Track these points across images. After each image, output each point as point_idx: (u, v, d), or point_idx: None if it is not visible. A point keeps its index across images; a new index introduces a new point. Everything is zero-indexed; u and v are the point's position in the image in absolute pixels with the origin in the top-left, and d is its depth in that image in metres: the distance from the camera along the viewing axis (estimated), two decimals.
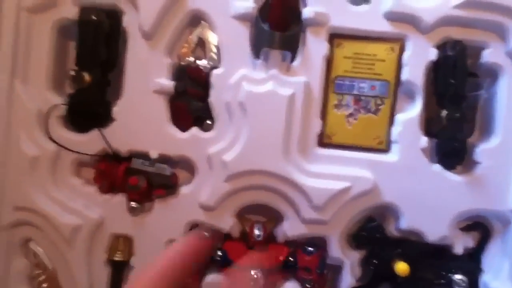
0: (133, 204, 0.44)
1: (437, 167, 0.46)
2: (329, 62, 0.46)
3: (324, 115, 0.47)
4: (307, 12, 0.45)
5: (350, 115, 0.47)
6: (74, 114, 0.45)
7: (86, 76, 0.45)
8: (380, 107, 0.47)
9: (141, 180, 0.44)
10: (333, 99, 0.46)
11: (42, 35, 0.46)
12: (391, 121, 0.47)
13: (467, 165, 0.47)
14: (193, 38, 0.47)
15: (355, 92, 0.47)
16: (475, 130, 0.48)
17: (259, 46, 0.45)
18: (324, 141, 0.47)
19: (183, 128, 0.46)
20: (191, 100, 0.46)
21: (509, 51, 0.45)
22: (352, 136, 0.47)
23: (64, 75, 0.47)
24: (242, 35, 0.45)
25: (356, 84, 0.47)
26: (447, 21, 0.45)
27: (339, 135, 0.47)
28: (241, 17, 0.45)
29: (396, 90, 0.46)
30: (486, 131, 0.48)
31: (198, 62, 0.47)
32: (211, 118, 0.46)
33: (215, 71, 0.45)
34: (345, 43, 0.46)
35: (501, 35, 0.46)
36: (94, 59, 0.45)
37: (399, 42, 0.46)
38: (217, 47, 0.46)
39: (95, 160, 0.46)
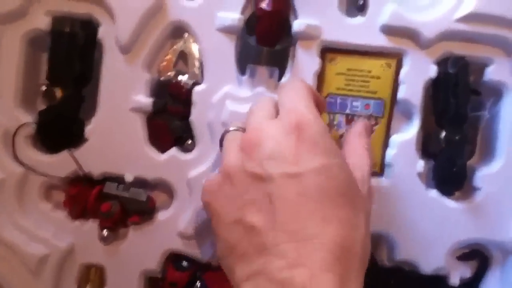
0: (105, 232, 0.41)
1: (434, 193, 0.43)
2: (320, 78, 0.43)
3: None
4: (297, 25, 0.41)
5: (342, 136, 0.43)
6: (44, 132, 0.42)
7: (58, 92, 0.42)
8: (374, 127, 0.43)
9: (114, 206, 0.41)
10: (324, 119, 0.43)
11: (11, 47, 0.42)
12: (385, 143, 0.43)
13: (466, 190, 0.44)
14: (175, 51, 0.44)
15: (348, 111, 0.43)
16: (475, 152, 0.45)
17: (245, 62, 0.42)
18: None
19: (163, 148, 0.43)
20: (171, 118, 0.43)
21: None
22: None
23: (35, 90, 0.44)
24: (227, 49, 0.42)
25: (348, 102, 0.43)
26: (448, 36, 0.42)
27: None
28: (227, 30, 0.42)
29: (392, 109, 0.43)
30: (488, 153, 0.45)
31: (179, 77, 0.43)
32: (193, 138, 0.43)
33: (197, 88, 0.42)
34: (338, 58, 0.43)
35: (506, 50, 0.42)
36: (67, 73, 0.42)
37: (396, 57, 0.43)
38: (200, 62, 0.43)
39: (66, 183, 0.43)
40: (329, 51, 0.43)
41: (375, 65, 0.43)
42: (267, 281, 0.28)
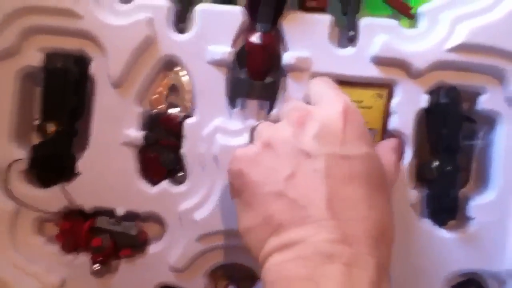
0: (96, 266, 0.41)
1: (427, 223, 0.42)
2: None
3: None
4: (287, 58, 0.41)
5: None
6: (37, 168, 0.42)
7: (51, 127, 0.42)
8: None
9: (105, 241, 0.41)
10: None
11: (5, 84, 0.43)
12: None
13: (460, 220, 0.43)
14: (166, 84, 0.44)
15: None
16: (469, 181, 0.45)
17: (235, 95, 0.42)
18: None
19: (154, 181, 0.43)
20: (163, 151, 0.43)
21: (508, 96, 0.42)
22: None
23: (28, 125, 0.44)
24: (218, 81, 0.42)
25: None
26: (440, 66, 0.41)
27: None
28: (217, 63, 0.42)
29: (383, 139, 0.42)
30: (482, 182, 0.44)
31: (171, 110, 0.44)
32: (184, 170, 0.43)
33: (188, 120, 0.42)
34: None
35: (499, 79, 0.42)
36: (60, 108, 0.42)
37: (387, 88, 0.42)
38: (191, 95, 0.43)
39: (58, 217, 0.43)
40: None
41: (366, 95, 0.43)
42: (308, 250, 0.28)
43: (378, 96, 0.43)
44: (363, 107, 0.43)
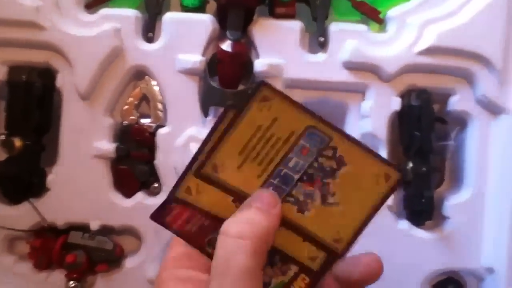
0: (71, 283, 0.40)
1: (404, 224, 0.43)
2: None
3: None
4: (259, 65, 0.41)
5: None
6: (4, 184, 0.41)
7: (17, 142, 0.41)
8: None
9: (80, 257, 0.40)
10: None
11: None
12: None
13: (436, 219, 0.43)
14: (136, 94, 0.43)
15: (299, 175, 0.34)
16: (444, 181, 0.45)
17: (208, 104, 0.41)
18: None
19: (128, 193, 0.42)
20: (135, 163, 0.42)
21: (477, 97, 0.42)
22: None
23: None
24: (190, 90, 0.42)
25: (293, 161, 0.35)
26: (410, 69, 0.42)
27: None
28: (188, 72, 0.41)
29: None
30: (456, 182, 0.45)
31: (142, 120, 0.43)
32: (159, 181, 0.42)
33: (160, 131, 0.41)
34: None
35: (469, 81, 0.43)
36: (25, 122, 0.41)
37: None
38: (163, 104, 0.42)
39: (30, 234, 0.41)
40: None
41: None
42: None
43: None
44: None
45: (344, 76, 0.42)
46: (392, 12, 0.42)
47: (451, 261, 0.43)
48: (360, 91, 0.43)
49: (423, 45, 0.41)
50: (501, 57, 0.41)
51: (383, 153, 0.42)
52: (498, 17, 0.41)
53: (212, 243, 0.26)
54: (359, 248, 0.41)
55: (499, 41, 0.41)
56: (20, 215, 0.41)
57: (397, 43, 0.42)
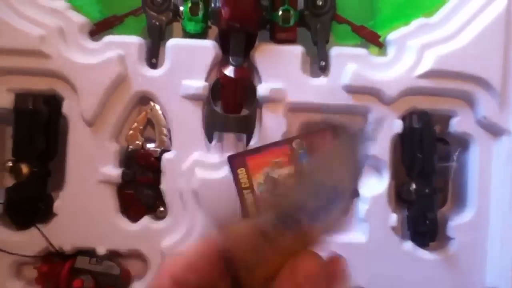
0: None
1: (409, 245, 0.43)
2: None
3: None
4: (262, 89, 0.42)
5: None
6: (12, 210, 0.41)
7: (24, 168, 0.41)
8: None
9: (87, 282, 0.41)
10: None
11: None
12: None
13: (440, 240, 0.44)
14: (142, 119, 0.44)
15: None
16: (447, 201, 0.46)
17: (211, 129, 0.42)
18: None
19: (135, 218, 0.43)
20: (141, 188, 0.43)
21: (478, 119, 0.43)
22: None
23: (1, 167, 0.43)
24: (194, 115, 0.42)
25: None
26: (411, 92, 0.42)
27: None
28: (192, 97, 0.42)
29: None
30: (459, 202, 0.45)
31: (147, 145, 0.43)
32: (165, 205, 0.42)
33: (165, 155, 0.42)
34: None
35: (469, 102, 0.43)
36: (31, 149, 0.41)
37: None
38: (168, 129, 0.43)
39: (37, 259, 0.42)
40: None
41: None
42: None
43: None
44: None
45: (346, 99, 0.42)
46: (391, 36, 0.43)
47: (456, 281, 0.43)
48: (362, 113, 0.43)
49: (423, 68, 0.42)
50: (500, 79, 0.42)
51: (387, 175, 0.43)
52: (496, 39, 0.42)
53: None
54: (365, 266, 0.41)
55: (498, 63, 0.42)
56: (28, 241, 0.41)
57: (397, 66, 0.42)
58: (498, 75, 0.42)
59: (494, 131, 0.43)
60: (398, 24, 0.43)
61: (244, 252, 0.21)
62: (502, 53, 0.42)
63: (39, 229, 0.41)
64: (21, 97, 0.42)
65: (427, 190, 0.43)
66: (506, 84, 0.42)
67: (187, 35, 0.43)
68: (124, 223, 0.42)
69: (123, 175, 0.42)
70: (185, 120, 0.42)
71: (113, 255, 0.42)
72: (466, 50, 0.41)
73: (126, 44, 0.42)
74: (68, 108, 0.42)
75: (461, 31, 0.42)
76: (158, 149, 0.43)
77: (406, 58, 0.42)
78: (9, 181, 0.42)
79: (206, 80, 0.42)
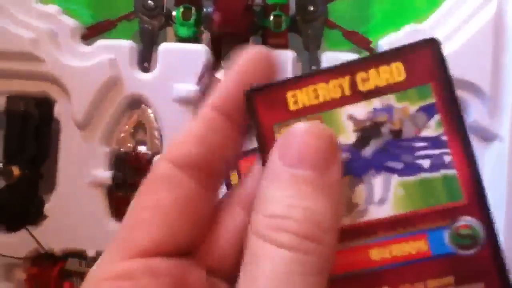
0: None
1: None
2: None
3: None
4: None
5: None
6: (2, 212, 0.42)
7: (15, 170, 0.42)
8: None
9: (77, 284, 0.41)
10: None
11: None
12: None
13: None
14: (133, 122, 0.44)
15: None
16: None
17: None
18: None
19: None
20: (132, 190, 0.43)
21: (469, 124, 0.42)
22: None
23: None
24: (185, 119, 0.42)
25: None
26: None
27: None
28: (184, 100, 0.42)
29: None
30: None
31: (139, 148, 0.44)
32: None
33: (157, 158, 0.42)
34: None
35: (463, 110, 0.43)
36: (22, 152, 0.42)
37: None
38: (159, 132, 0.43)
39: (27, 262, 0.42)
40: None
41: None
42: None
43: None
44: None
45: None
46: (382, 42, 0.43)
47: None
48: None
49: None
50: (490, 84, 0.42)
51: None
52: (486, 44, 0.42)
53: None
54: None
55: (488, 68, 0.42)
56: (18, 243, 0.42)
57: None
58: (489, 80, 0.42)
59: (485, 136, 0.43)
60: (390, 30, 0.43)
61: None
62: (492, 58, 0.42)
63: (29, 231, 0.41)
64: (12, 100, 0.42)
65: None
66: (496, 89, 0.42)
67: (179, 39, 0.43)
68: (114, 225, 0.42)
69: (114, 177, 0.42)
70: (176, 123, 0.42)
71: None
72: (456, 55, 0.42)
73: (118, 47, 0.42)
74: (59, 111, 0.42)
75: (451, 37, 0.42)
76: (150, 152, 0.43)
77: None
78: (1, 184, 0.42)
79: (197, 84, 0.42)
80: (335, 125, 0.21)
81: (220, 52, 0.42)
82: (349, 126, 0.21)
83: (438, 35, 0.43)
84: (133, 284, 0.19)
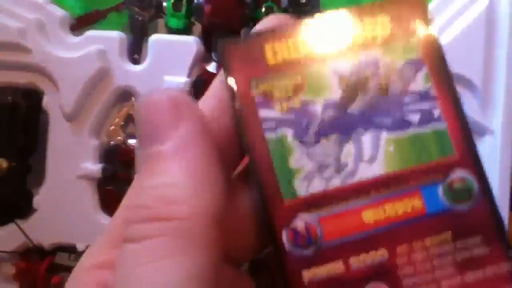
0: None
1: None
2: None
3: None
4: None
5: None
6: None
7: (3, 163, 0.41)
8: None
9: (66, 278, 0.40)
10: None
11: None
12: None
13: None
14: (123, 115, 0.43)
15: None
16: None
17: None
18: None
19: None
20: (122, 184, 0.43)
21: None
22: None
23: None
24: None
25: None
26: None
27: None
28: None
29: None
30: None
31: (129, 141, 0.43)
32: None
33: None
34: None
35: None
36: (10, 144, 0.41)
37: None
38: None
39: (15, 256, 0.41)
40: None
41: None
42: None
43: None
44: None
45: None
46: None
47: None
48: None
49: None
50: (482, 78, 0.42)
51: None
52: (478, 38, 0.42)
53: None
54: None
55: (480, 61, 0.42)
56: (6, 237, 0.41)
57: None
58: (481, 74, 0.42)
59: (477, 130, 0.43)
60: None
61: None
62: (484, 52, 0.42)
63: (17, 225, 0.41)
64: (0, 90, 0.41)
65: None
66: (488, 83, 0.42)
67: (170, 31, 0.43)
68: (104, 219, 0.42)
69: (104, 170, 0.42)
70: None
71: None
72: (448, 49, 0.41)
73: (107, 38, 0.41)
74: (48, 102, 0.41)
75: (443, 31, 0.42)
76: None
77: None
78: None
79: (188, 76, 0.42)
80: (319, 82, 0.20)
81: (211, 44, 0.41)
82: (334, 82, 0.20)
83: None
84: (113, 273, 0.18)
